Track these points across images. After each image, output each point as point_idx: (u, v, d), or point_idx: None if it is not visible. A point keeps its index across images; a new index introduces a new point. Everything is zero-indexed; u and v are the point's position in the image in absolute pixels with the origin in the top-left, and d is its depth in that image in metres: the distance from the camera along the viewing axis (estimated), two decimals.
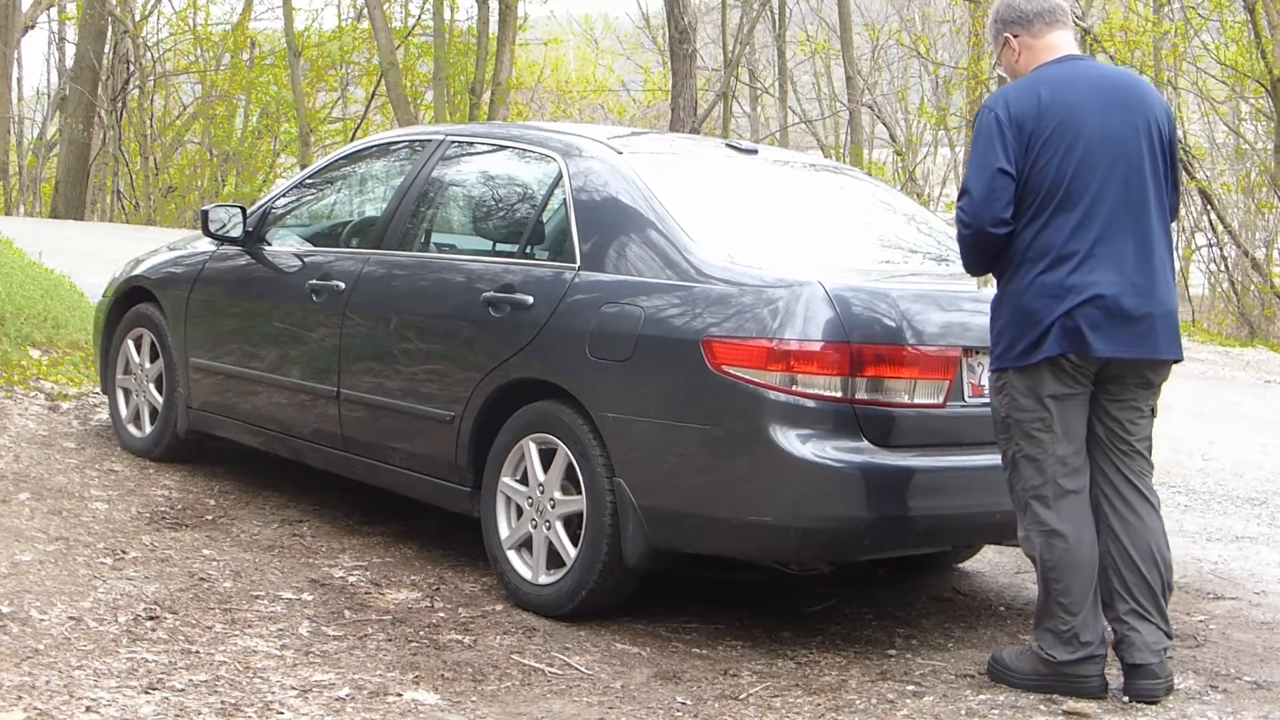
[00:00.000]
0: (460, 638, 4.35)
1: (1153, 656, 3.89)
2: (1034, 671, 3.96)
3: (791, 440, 4.06)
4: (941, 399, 4.25)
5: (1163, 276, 3.92)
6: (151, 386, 6.33)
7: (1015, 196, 3.85)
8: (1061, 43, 4.04)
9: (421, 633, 4.37)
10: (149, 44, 30.38)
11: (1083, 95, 3.91)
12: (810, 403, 4.08)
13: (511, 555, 4.70)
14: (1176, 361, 3.99)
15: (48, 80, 35.79)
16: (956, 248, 4.08)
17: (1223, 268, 20.70)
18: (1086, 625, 3.89)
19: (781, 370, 4.07)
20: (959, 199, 3.94)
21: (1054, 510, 3.90)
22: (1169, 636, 3.94)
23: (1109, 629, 3.97)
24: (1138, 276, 3.86)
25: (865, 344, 4.11)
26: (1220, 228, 19.73)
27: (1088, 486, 3.95)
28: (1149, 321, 3.87)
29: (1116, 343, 3.84)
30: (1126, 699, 3.91)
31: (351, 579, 4.89)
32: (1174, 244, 3.98)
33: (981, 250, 3.93)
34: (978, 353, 4.28)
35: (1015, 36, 4.06)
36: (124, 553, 4.91)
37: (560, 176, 4.89)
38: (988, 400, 4.10)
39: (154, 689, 3.66)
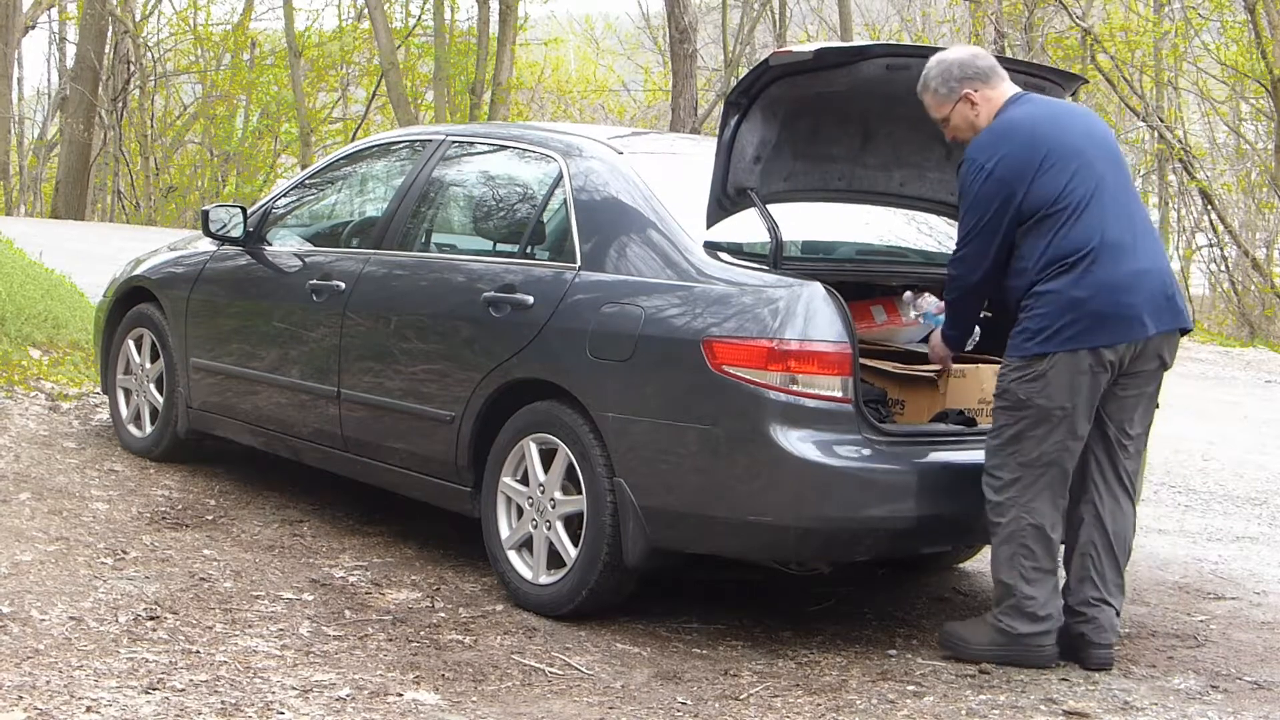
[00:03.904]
0: (460, 638, 4.35)
1: (1113, 635, 4.22)
2: (991, 642, 4.18)
3: (791, 440, 4.06)
4: None
5: (1164, 253, 4.28)
6: (152, 386, 6.33)
7: (1023, 219, 4.10)
8: (1010, 89, 4.29)
9: (422, 633, 4.37)
10: (149, 44, 30.39)
11: (1055, 121, 4.20)
12: (810, 402, 4.08)
13: (512, 555, 4.70)
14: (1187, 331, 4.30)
15: (48, 80, 35.81)
16: (954, 243, 4.19)
17: (1223, 268, 20.72)
18: (1049, 599, 4.14)
19: (781, 370, 4.07)
20: (954, 264, 4.23)
21: (1042, 487, 4.10)
22: (1119, 611, 4.27)
23: (1076, 608, 4.20)
24: (1159, 259, 4.17)
25: None
26: (1220, 228, 19.75)
27: (1073, 469, 4.17)
28: (1177, 294, 4.18)
29: (1160, 320, 4.11)
30: (1084, 668, 4.17)
31: (352, 579, 4.89)
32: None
33: (980, 301, 4.32)
34: None
35: (976, 91, 4.25)
36: (124, 553, 4.92)
37: (561, 176, 4.89)
38: None
39: (154, 689, 3.66)
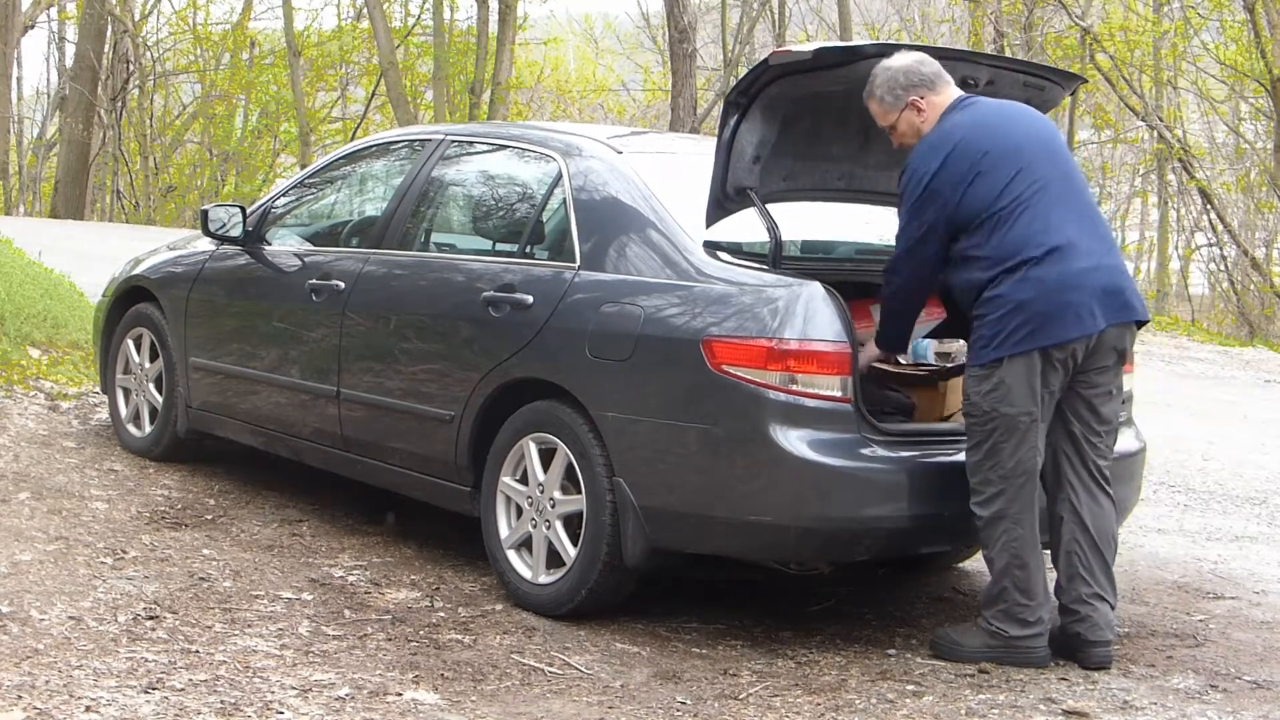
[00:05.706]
0: (460, 637, 4.35)
1: (1109, 633, 4.22)
2: (984, 645, 4.20)
3: (791, 440, 4.06)
4: None
5: (1116, 248, 4.31)
6: (151, 386, 6.33)
7: (960, 227, 4.13)
8: (954, 92, 4.30)
9: (421, 632, 4.37)
10: (149, 43, 30.37)
11: (996, 124, 4.22)
12: (810, 402, 4.08)
13: (511, 555, 4.70)
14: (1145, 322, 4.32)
15: (48, 80, 35.76)
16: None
17: (1223, 267, 20.73)
18: (1041, 604, 4.16)
19: (781, 370, 4.08)
20: (890, 268, 4.25)
21: (1027, 496, 4.13)
22: (1114, 607, 4.27)
23: (1070, 607, 4.21)
24: (1105, 256, 4.16)
25: None
26: (1220, 227, 19.77)
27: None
28: (1126, 288, 4.21)
29: (1112, 314, 4.12)
30: (1082, 668, 4.17)
31: (351, 579, 4.89)
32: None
33: (915, 304, 4.31)
34: None
35: (922, 98, 4.27)
36: (124, 552, 4.91)
37: (560, 176, 4.89)
38: None
39: (154, 689, 3.66)
